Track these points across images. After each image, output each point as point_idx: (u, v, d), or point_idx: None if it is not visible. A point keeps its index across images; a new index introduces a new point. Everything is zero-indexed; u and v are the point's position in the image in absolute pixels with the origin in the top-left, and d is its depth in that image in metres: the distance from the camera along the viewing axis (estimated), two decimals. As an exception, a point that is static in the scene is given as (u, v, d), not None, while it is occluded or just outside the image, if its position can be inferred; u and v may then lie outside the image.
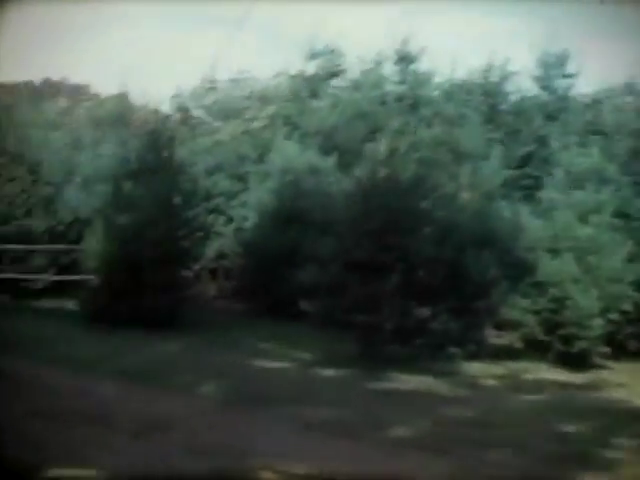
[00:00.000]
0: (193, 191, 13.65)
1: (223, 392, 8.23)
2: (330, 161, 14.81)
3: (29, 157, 14.59)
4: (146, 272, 12.00)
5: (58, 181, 15.19)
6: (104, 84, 26.93)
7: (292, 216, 14.11)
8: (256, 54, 40.74)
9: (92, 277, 12.74)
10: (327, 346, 11.15)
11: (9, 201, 13.94)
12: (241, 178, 16.84)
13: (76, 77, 38.63)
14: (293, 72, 18.49)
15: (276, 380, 9.09)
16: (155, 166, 12.82)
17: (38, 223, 14.43)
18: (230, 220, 16.49)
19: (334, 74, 18.23)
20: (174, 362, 9.77)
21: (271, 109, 18.01)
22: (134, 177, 12.85)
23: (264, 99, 19.06)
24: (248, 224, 15.67)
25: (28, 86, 26.88)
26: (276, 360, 10.36)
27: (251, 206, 15.66)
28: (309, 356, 10.89)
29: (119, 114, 19.43)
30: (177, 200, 13.01)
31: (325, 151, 15.18)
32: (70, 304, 13.63)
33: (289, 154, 15.12)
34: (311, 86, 17.87)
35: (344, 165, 13.78)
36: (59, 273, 14.51)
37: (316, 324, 10.96)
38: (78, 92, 29.57)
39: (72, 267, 14.71)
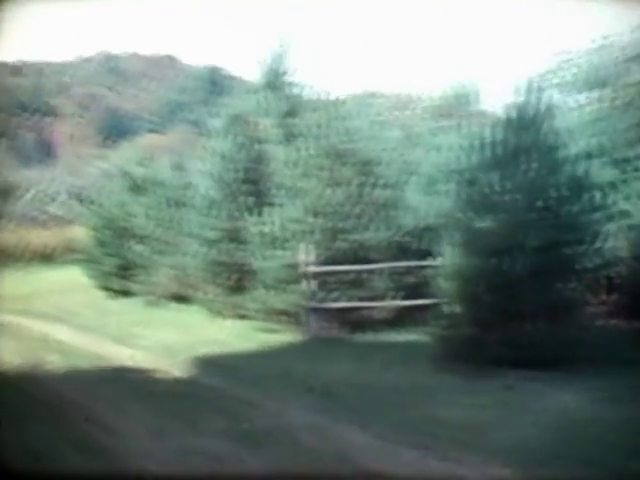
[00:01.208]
0: (576, 181, 10.20)
1: None
2: None
3: (357, 155, 12.32)
4: (522, 292, 8.93)
5: (394, 182, 12.73)
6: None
7: None
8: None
9: (447, 301, 9.99)
10: None
11: (334, 210, 11.76)
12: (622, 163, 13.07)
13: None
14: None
15: None
16: (524, 152, 9.72)
17: (373, 236, 12.05)
18: (610, 217, 12.78)
19: None
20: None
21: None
22: (493, 169, 9.90)
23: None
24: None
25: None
26: None
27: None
28: None
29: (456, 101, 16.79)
30: (555, 193, 9.77)
31: None
32: (416, 337, 11.21)
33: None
34: None
35: None
36: (402, 297, 11.99)
37: None
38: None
39: (419, 289, 12.24)
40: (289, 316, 12.35)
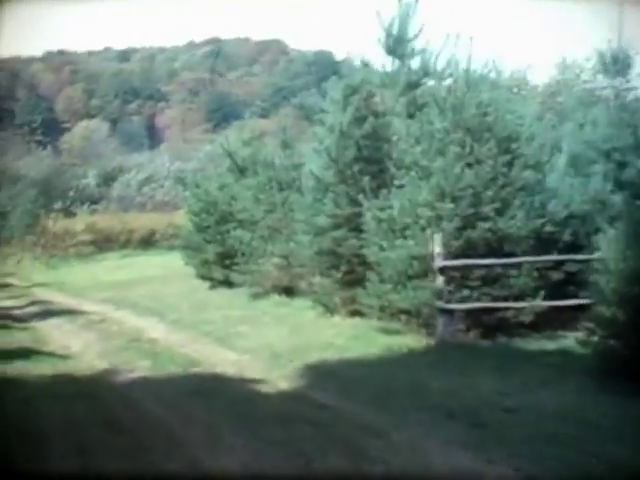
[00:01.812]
0: None
1: None
2: None
3: (493, 130, 10.61)
4: None
5: (535, 162, 10.97)
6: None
7: None
8: None
9: (605, 303, 8.23)
10: None
11: (465, 193, 10.11)
12: None
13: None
14: None
15: None
16: None
17: (511, 224, 10.33)
18: None
19: None
20: None
21: None
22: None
23: None
24: None
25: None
26: None
27: None
28: None
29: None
30: None
31: None
32: (565, 344, 9.52)
33: None
34: None
35: None
36: (546, 297, 10.25)
37: None
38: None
39: (566, 287, 10.48)
40: (412, 316, 10.85)
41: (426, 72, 12.76)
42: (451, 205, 9.91)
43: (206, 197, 17.87)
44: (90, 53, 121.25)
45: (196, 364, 9.33)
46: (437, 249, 10.04)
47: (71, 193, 39.94)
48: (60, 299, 18.20)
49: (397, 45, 12.99)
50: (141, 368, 9.11)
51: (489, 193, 10.19)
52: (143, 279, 21.81)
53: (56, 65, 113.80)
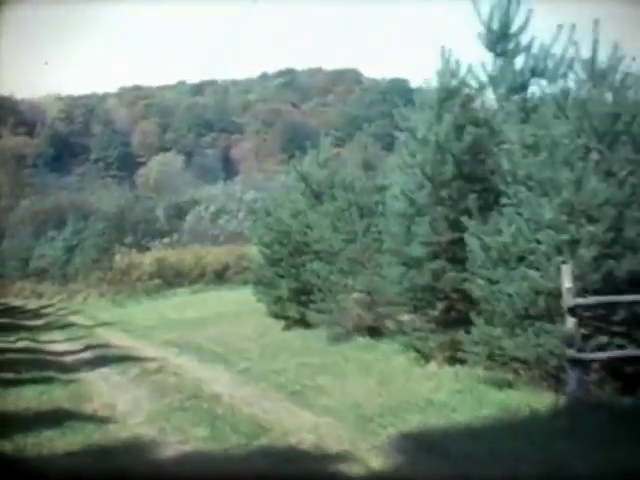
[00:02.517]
0: None
1: None
2: None
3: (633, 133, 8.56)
4: None
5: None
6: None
7: None
8: None
9: None
10: None
11: (614, 211, 8.08)
12: None
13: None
14: None
15: None
16: None
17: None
18: None
19: None
20: None
21: None
22: None
23: None
24: None
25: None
26: None
27: None
28: None
29: None
30: None
31: None
32: None
33: None
34: None
35: None
36: None
37: None
38: None
39: None
40: (531, 366, 8.83)
41: (536, 70, 10.81)
42: (590, 227, 7.87)
43: (278, 226, 16.19)
44: (164, 87, 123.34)
45: (264, 431, 7.53)
46: (567, 283, 7.99)
47: (142, 226, 39.24)
48: (120, 341, 16.85)
49: (500, 40, 11.13)
50: (196, 438, 7.37)
51: (635, 213, 8.12)
52: (212, 317, 20.35)
53: (130, 100, 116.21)
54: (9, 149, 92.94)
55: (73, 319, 23.79)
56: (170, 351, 14.13)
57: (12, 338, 17.82)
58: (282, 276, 15.75)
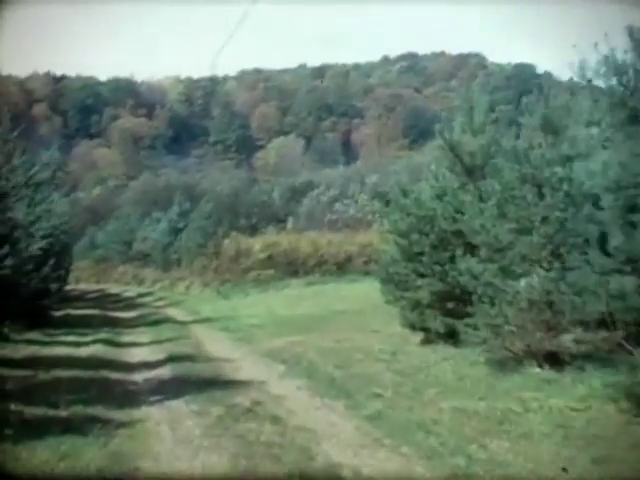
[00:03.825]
0: None
1: None
2: None
3: None
4: None
5: None
6: None
7: None
8: None
9: None
10: None
11: None
12: None
13: None
14: None
15: None
16: None
17: None
18: None
19: None
20: None
21: None
22: None
23: None
24: None
25: None
26: None
27: None
28: None
29: None
30: None
31: None
32: None
33: None
34: None
35: None
36: None
37: None
38: None
39: None
40: None
41: None
42: None
43: (418, 209, 12.38)
44: (284, 70, 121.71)
45: None
46: None
47: (256, 210, 36.36)
48: (215, 348, 13.62)
49: None
50: None
51: None
52: (329, 317, 16.91)
53: (250, 83, 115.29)
54: (127, 129, 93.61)
55: (170, 312, 20.89)
56: (273, 370, 10.72)
57: (88, 338, 14.87)
58: (422, 275, 11.93)
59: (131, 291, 30.30)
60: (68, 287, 28.08)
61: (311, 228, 34.05)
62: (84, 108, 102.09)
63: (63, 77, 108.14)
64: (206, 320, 18.51)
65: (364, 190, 41.32)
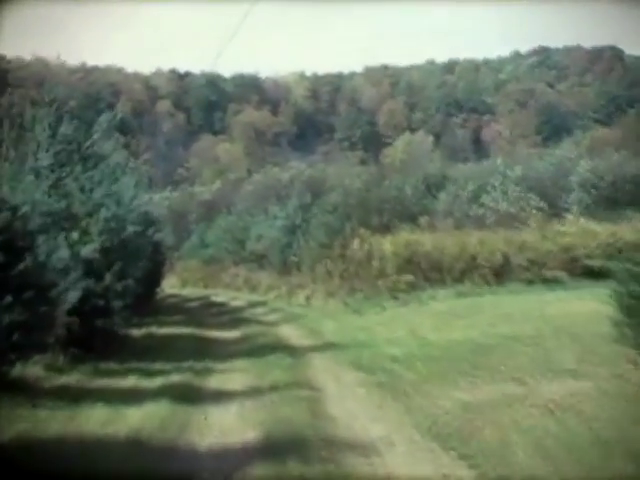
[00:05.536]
0: None
1: None
2: None
3: None
4: None
5: None
6: None
7: None
8: None
9: None
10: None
11: None
12: None
13: None
14: None
15: None
16: None
17: None
18: None
19: None
20: None
21: None
22: None
23: None
24: None
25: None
26: None
27: None
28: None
29: None
30: None
31: None
32: None
33: None
34: None
35: None
36: None
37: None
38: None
39: None
40: None
41: None
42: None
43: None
44: (411, 66, 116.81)
45: None
46: None
47: (388, 206, 31.01)
48: (342, 409, 8.37)
49: None
50: None
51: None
52: (501, 348, 11.25)
53: (377, 79, 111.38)
54: (250, 123, 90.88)
55: (283, 332, 15.81)
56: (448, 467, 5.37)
57: (155, 383, 9.83)
58: None
59: (241, 299, 25.43)
60: (165, 293, 23.94)
61: (450, 225, 28.43)
62: (208, 104, 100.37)
63: (187, 74, 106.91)
64: (330, 347, 13.29)
65: (506, 184, 35.27)
